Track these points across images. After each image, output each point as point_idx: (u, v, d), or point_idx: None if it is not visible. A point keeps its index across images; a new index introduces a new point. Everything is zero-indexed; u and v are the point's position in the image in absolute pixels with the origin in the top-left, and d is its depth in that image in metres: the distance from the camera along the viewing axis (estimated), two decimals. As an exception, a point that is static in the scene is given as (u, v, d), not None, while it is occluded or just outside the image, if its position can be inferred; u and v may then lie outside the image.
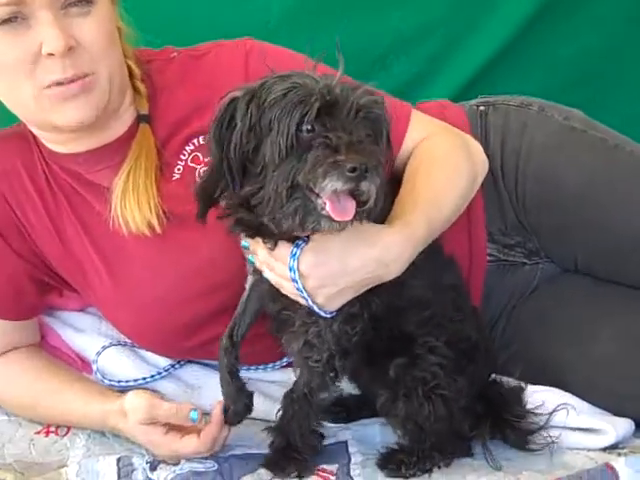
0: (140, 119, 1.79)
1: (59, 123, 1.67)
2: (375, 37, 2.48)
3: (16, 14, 1.57)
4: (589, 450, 1.71)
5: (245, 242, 1.57)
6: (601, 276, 1.92)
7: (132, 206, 1.71)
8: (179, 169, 1.78)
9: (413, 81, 2.50)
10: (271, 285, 1.59)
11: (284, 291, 1.57)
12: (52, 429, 1.83)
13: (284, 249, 1.51)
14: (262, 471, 1.65)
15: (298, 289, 1.51)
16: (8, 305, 1.87)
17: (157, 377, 1.93)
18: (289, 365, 1.90)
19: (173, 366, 1.95)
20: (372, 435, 1.79)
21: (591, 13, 2.55)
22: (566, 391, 1.82)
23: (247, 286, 1.68)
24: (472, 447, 1.72)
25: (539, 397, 1.77)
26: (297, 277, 1.50)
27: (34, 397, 1.86)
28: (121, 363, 1.94)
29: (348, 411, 1.85)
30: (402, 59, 2.51)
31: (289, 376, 1.88)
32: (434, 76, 2.54)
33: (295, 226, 1.41)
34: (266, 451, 1.68)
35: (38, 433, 1.82)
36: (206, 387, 1.92)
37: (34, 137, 1.81)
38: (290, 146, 1.37)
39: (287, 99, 1.38)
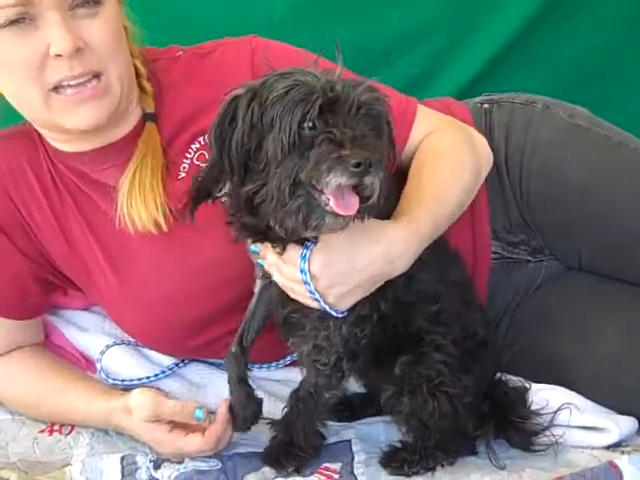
0: (146, 118, 1.79)
1: (69, 126, 1.67)
2: (379, 36, 2.49)
3: (24, 15, 1.57)
4: (593, 448, 1.70)
5: (255, 247, 1.57)
6: (605, 273, 1.92)
7: (139, 204, 1.71)
8: (185, 167, 1.78)
9: (417, 80, 2.51)
10: (280, 290, 1.59)
11: (294, 295, 1.57)
12: (56, 428, 1.83)
13: (293, 252, 1.51)
14: (266, 469, 1.65)
15: (310, 291, 1.51)
16: (12, 304, 1.88)
17: (161, 376, 1.93)
18: (293, 364, 1.90)
19: (177, 365, 1.96)
20: (376, 434, 1.79)
21: (593, 12, 2.54)
22: (571, 389, 1.81)
23: (256, 290, 1.68)
24: (476, 446, 1.72)
25: (543, 396, 1.77)
26: (308, 279, 1.50)
27: (38, 395, 1.86)
28: (125, 362, 1.94)
29: (352, 410, 1.85)
30: (406, 58, 2.52)
31: (293, 375, 1.89)
32: (438, 74, 2.55)
33: (299, 224, 1.41)
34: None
35: (42, 432, 1.82)
36: (211, 386, 1.93)
37: (39, 136, 1.81)
38: (292, 143, 1.37)
39: (289, 97, 1.38)
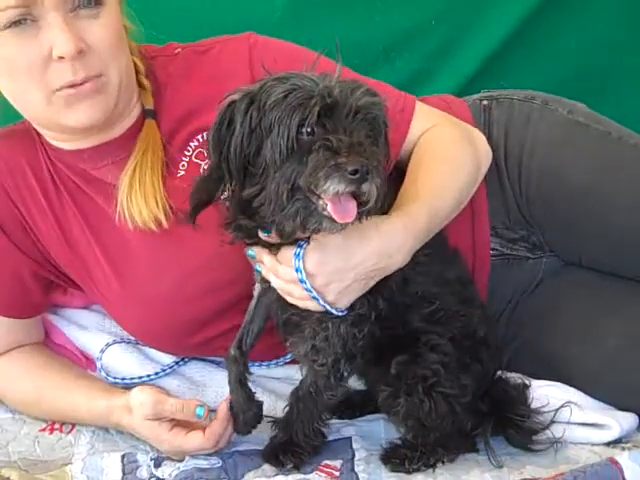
0: (146, 114, 1.79)
1: (70, 124, 1.67)
2: (378, 33, 2.49)
3: (26, 16, 1.56)
4: (593, 445, 1.71)
5: (251, 251, 1.58)
6: (606, 270, 1.92)
7: (139, 201, 1.71)
8: (184, 165, 1.78)
9: (416, 77, 2.51)
10: (279, 295, 1.59)
11: (292, 299, 1.57)
12: (56, 426, 1.83)
13: (287, 251, 1.51)
14: (266, 467, 1.66)
15: (307, 289, 1.52)
16: (12, 303, 1.88)
17: (161, 374, 1.93)
18: (292, 362, 1.90)
19: (177, 363, 1.95)
20: (376, 431, 1.79)
21: (592, 7, 2.55)
22: (571, 385, 1.82)
23: (255, 294, 1.68)
24: (476, 443, 1.72)
25: (543, 392, 1.77)
26: (304, 277, 1.50)
27: (38, 394, 1.86)
28: (125, 360, 1.94)
29: (352, 407, 1.85)
30: (405, 55, 2.52)
31: (293, 372, 1.90)
32: (437, 72, 2.55)
33: (297, 227, 1.41)
34: (270, 447, 1.69)
35: (43, 430, 1.82)
36: (211, 384, 1.93)
37: (38, 135, 1.81)
38: (291, 148, 1.38)
39: (287, 102, 1.38)
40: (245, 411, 1.69)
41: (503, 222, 1.95)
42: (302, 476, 1.62)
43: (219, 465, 1.67)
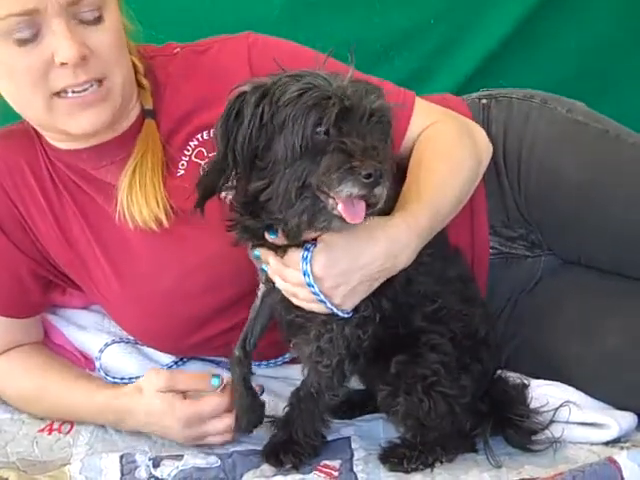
0: (145, 114, 1.79)
1: (72, 131, 1.68)
2: (377, 32, 2.49)
3: (30, 28, 1.56)
4: (592, 444, 1.71)
5: (257, 251, 1.58)
6: (605, 268, 1.92)
7: (139, 200, 1.71)
8: (183, 165, 1.78)
9: (415, 76, 2.51)
10: (284, 296, 1.59)
11: (297, 301, 1.57)
12: (55, 427, 1.83)
13: (294, 255, 1.51)
14: (265, 467, 1.66)
15: (314, 292, 1.52)
16: (11, 302, 1.88)
17: (160, 372, 1.93)
18: (292, 362, 1.91)
19: (176, 363, 1.96)
20: (375, 431, 1.79)
21: (593, 6, 2.54)
22: (570, 384, 1.82)
23: (259, 294, 1.68)
24: (475, 443, 1.72)
25: (542, 392, 1.77)
26: (312, 280, 1.51)
27: (38, 392, 1.86)
28: (124, 360, 1.95)
29: (352, 407, 1.85)
30: (404, 54, 2.52)
31: (293, 372, 1.90)
32: (436, 71, 2.55)
33: (304, 224, 1.42)
34: (269, 447, 1.69)
35: (41, 431, 1.82)
36: (210, 383, 1.93)
37: (37, 134, 1.81)
38: (304, 147, 1.38)
39: (303, 100, 1.38)
40: (249, 411, 1.69)
41: (502, 221, 1.95)
42: (301, 476, 1.62)
43: (218, 465, 1.67)
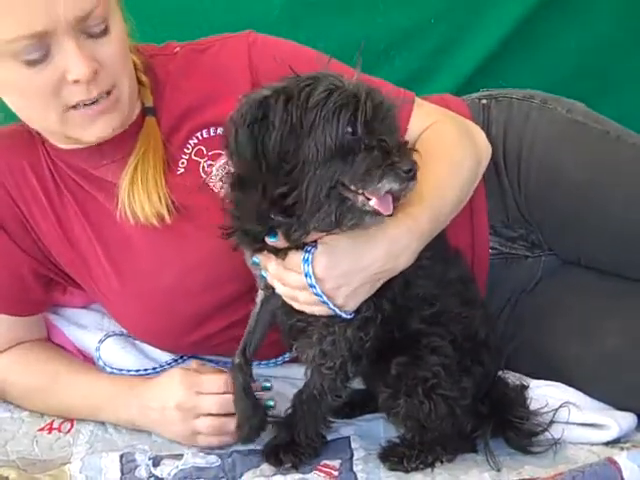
0: (146, 112, 1.79)
1: (85, 139, 1.69)
2: (377, 32, 2.49)
3: (39, 50, 1.55)
4: (592, 445, 1.71)
5: (256, 258, 1.58)
6: (605, 268, 1.92)
7: (141, 197, 1.71)
8: (183, 163, 1.78)
9: (415, 76, 2.51)
10: (285, 302, 1.60)
11: (298, 305, 1.57)
12: (55, 426, 1.83)
13: (295, 257, 1.51)
14: (264, 466, 1.66)
15: (316, 294, 1.52)
16: (12, 300, 1.88)
17: (159, 369, 1.93)
18: (293, 360, 1.91)
19: (176, 361, 1.96)
20: (375, 430, 1.79)
21: (593, 7, 2.54)
22: (570, 384, 1.82)
23: (257, 301, 1.68)
24: (476, 443, 1.72)
25: (541, 393, 1.77)
26: (314, 282, 1.51)
27: (49, 380, 1.87)
28: (124, 357, 1.95)
29: (352, 406, 1.84)
30: (404, 54, 2.52)
31: (293, 371, 1.91)
32: (436, 71, 2.55)
33: (332, 224, 1.43)
34: (269, 447, 1.69)
35: (41, 430, 1.82)
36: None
37: (39, 134, 1.81)
38: (335, 148, 1.39)
39: (331, 100, 1.39)
40: (251, 418, 1.69)
41: (502, 221, 1.96)
42: (300, 476, 1.62)
43: (217, 464, 1.67)
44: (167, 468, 1.65)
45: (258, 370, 1.92)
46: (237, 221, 1.53)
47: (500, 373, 1.79)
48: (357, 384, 1.84)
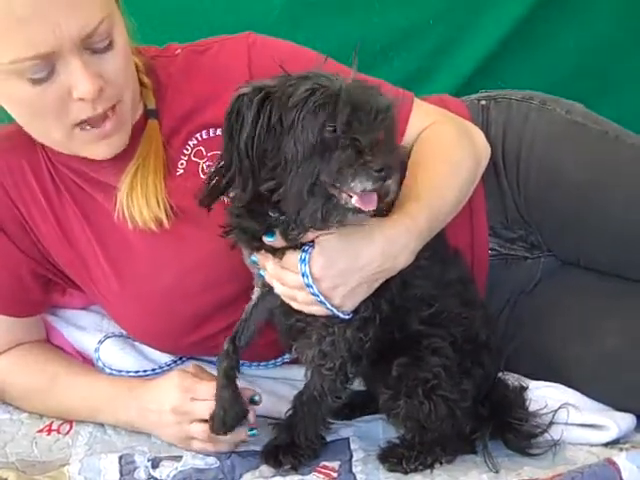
0: (148, 114, 1.79)
1: (92, 156, 1.70)
2: (375, 32, 2.49)
3: (44, 70, 1.54)
4: (591, 445, 1.71)
5: (254, 257, 1.58)
6: (604, 269, 1.92)
7: (140, 202, 1.71)
8: (182, 164, 1.78)
9: (414, 77, 2.51)
10: (283, 302, 1.59)
11: (296, 305, 1.57)
12: (54, 427, 1.83)
13: (293, 257, 1.52)
14: (264, 468, 1.65)
15: (313, 293, 1.52)
16: (11, 301, 1.88)
17: (159, 371, 1.93)
18: (292, 362, 1.91)
19: (175, 362, 1.95)
20: (375, 432, 1.79)
21: (592, 7, 2.54)
22: (569, 385, 1.82)
23: (254, 297, 1.68)
24: (475, 444, 1.72)
25: (540, 394, 1.77)
26: (311, 281, 1.51)
27: (48, 381, 1.86)
28: (123, 354, 1.95)
29: (351, 408, 1.84)
30: (403, 55, 2.53)
31: (292, 372, 1.91)
32: (435, 71, 2.55)
33: (318, 221, 1.42)
34: (269, 448, 1.69)
35: (40, 432, 1.82)
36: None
37: None
38: (314, 146, 1.39)
39: (312, 100, 1.39)
40: (227, 410, 1.66)
41: (501, 222, 1.95)
42: (300, 477, 1.62)
43: (216, 466, 1.67)
44: (166, 470, 1.65)
45: (257, 371, 1.93)
46: (235, 219, 1.54)
47: (500, 374, 1.79)
48: (356, 385, 1.84)
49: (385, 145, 1.40)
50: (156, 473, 1.65)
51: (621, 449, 1.67)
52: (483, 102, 2.00)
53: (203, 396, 1.70)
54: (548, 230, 1.94)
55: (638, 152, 1.90)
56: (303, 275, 1.50)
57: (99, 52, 1.59)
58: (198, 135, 1.79)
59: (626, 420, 1.74)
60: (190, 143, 1.79)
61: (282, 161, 1.42)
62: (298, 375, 1.81)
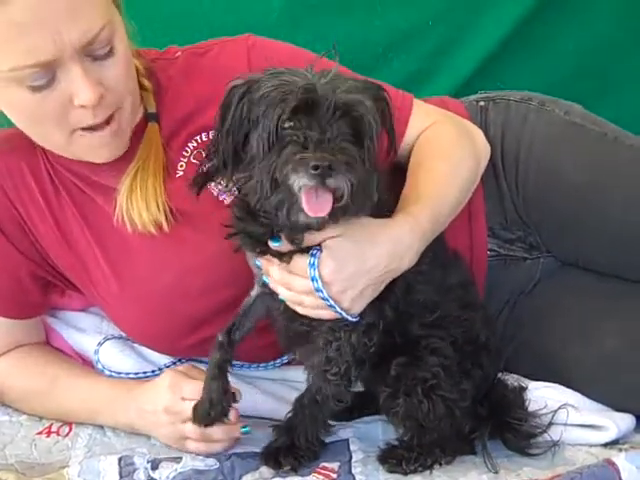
0: (148, 118, 1.79)
1: (92, 160, 1.71)
2: (375, 34, 2.49)
3: (44, 77, 1.54)
4: (590, 446, 1.71)
5: (258, 261, 1.58)
6: (603, 270, 1.92)
7: (140, 205, 1.71)
8: (182, 166, 1.78)
9: (413, 78, 2.51)
10: (286, 307, 1.59)
11: (302, 309, 1.57)
12: (54, 429, 1.83)
13: (300, 261, 1.51)
14: (263, 469, 1.65)
15: (323, 298, 1.51)
16: (10, 303, 1.88)
17: (158, 372, 1.92)
18: (291, 363, 1.91)
19: (174, 363, 1.95)
20: (374, 433, 1.79)
21: (591, 8, 2.54)
22: (569, 386, 1.82)
23: (252, 294, 1.68)
24: (474, 445, 1.72)
25: (539, 394, 1.77)
26: (321, 285, 1.50)
27: (48, 383, 1.86)
28: (122, 356, 1.95)
29: (350, 409, 1.84)
30: (402, 56, 2.53)
31: (291, 374, 1.91)
32: (434, 73, 2.55)
33: (284, 220, 1.42)
34: (268, 450, 1.69)
35: (40, 434, 1.82)
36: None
37: None
38: (272, 142, 1.39)
39: (271, 96, 1.40)
40: (214, 402, 1.66)
41: (500, 223, 1.96)
42: (299, 478, 1.62)
43: (216, 467, 1.66)
44: (166, 471, 1.65)
45: (256, 373, 1.93)
46: (240, 223, 1.54)
47: (499, 375, 1.79)
48: (356, 387, 1.84)
49: (333, 143, 1.37)
50: (155, 475, 1.65)
51: (620, 450, 1.67)
52: (482, 103, 2.01)
53: (191, 395, 1.70)
54: (547, 231, 1.94)
55: (637, 153, 1.90)
56: (313, 280, 1.50)
57: (100, 59, 1.58)
58: (198, 137, 1.79)
59: (625, 421, 1.74)
60: (190, 145, 1.79)
61: (250, 155, 1.43)
62: (297, 377, 1.81)
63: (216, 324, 1.76)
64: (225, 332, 1.67)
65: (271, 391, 1.90)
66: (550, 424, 1.70)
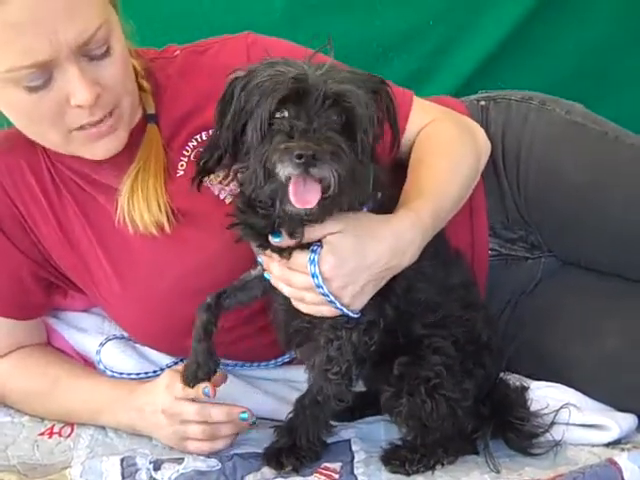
0: (147, 119, 1.79)
1: (88, 157, 1.70)
2: (376, 33, 2.50)
3: (40, 78, 1.54)
4: (592, 446, 1.71)
5: (259, 258, 1.59)
6: (605, 269, 1.92)
7: (141, 206, 1.71)
8: (182, 165, 1.78)
9: (414, 77, 2.51)
10: (289, 305, 1.59)
11: (304, 307, 1.57)
12: (55, 430, 1.83)
13: (301, 257, 1.51)
14: (265, 470, 1.65)
15: (324, 294, 1.51)
16: (12, 304, 1.88)
17: (160, 373, 1.91)
18: (291, 362, 1.91)
19: (176, 363, 1.95)
20: (376, 433, 1.79)
21: (591, 8, 2.55)
22: (570, 385, 1.82)
23: (253, 273, 1.67)
24: (477, 445, 1.72)
25: (541, 394, 1.77)
26: (321, 282, 1.50)
27: (49, 384, 1.86)
28: (124, 356, 1.95)
29: (352, 409, 1.84)
30: (403, 56, 2.53)
31: (292, 374, 1.91)
32: (435, 72, 2.56)
33: (279, 210, 1.42)
34: (270, 450, 1.69)
35: (42, 435, 1.82)
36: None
37: None
38: (264, 131, 1.40)
39: (265, 85, 1.41)
40: (200, 364, 1.67)
41: (501, 222, 1.96)
42: (301, 479, 1.62)
43: (218, 468, 1.66)
44: (168, 472, 1.65)
45: (257, 372, 1.93)
46: (242, 214, 1.54)
47: (501, 374, 1.79)
48: (357, 387, 1.84)
49: (320, 133, 1.37)
50: (158, 475, 1.65)
51: (622, 449, 1.67)
52: (482, 103, 2.01)
53: (183, 394, 1.70)
54: (548, 230, 1.95)
55: (638, 152, 1.90)
56: (313, 276, 1.50)
57: (96, 59, 1.59)
58: (198, 136, 1.79)
59: (627, 420, 1.74)
60: (190, 144, 1.79)
61: (247, 144, 1.44)
62: (298, 377, 1.81)
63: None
64: (215, 295, 1.66)
65: (272, 391, 1.90)
66: (552, 424, 1.71)
